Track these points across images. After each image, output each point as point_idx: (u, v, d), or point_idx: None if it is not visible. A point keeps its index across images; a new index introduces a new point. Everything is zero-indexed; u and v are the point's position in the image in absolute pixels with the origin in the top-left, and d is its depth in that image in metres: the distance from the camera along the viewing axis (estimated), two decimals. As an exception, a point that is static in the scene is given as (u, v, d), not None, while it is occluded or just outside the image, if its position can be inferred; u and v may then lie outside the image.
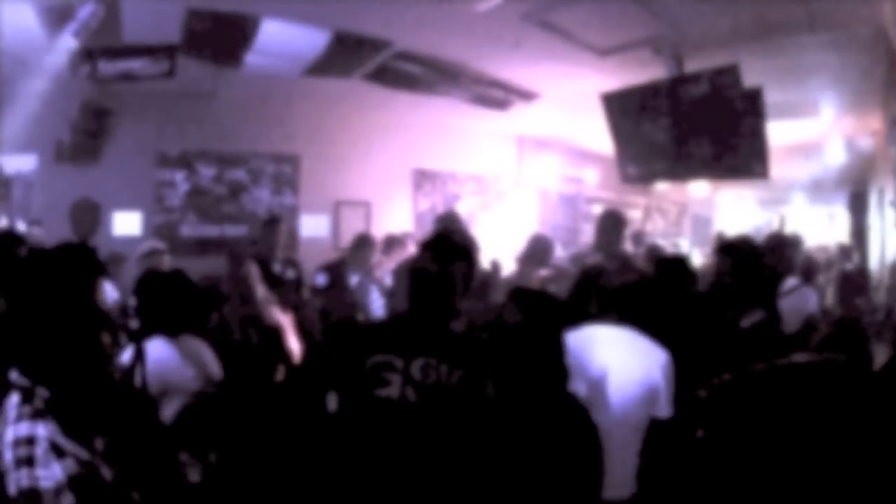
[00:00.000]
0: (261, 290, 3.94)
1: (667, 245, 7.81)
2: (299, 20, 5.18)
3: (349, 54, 5.72)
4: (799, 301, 4.11)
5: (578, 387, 2.31)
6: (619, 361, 2.50)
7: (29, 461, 1.31)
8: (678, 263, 3.62)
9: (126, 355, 3.29)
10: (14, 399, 1.43)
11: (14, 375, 1.47)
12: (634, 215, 8.40)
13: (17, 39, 4.94)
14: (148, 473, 1.59)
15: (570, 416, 2.06)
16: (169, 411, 2.90)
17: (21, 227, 6.07)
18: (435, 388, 2.16)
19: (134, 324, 3.71)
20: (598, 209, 8.14)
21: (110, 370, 1.69)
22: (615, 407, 2.45)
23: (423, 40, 5.56)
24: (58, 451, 1.35)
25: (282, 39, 5.43)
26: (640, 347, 2.57)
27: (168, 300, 3.05)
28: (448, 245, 2.59)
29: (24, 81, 5.34)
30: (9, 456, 1.33)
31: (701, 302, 3.41)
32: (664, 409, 2.53)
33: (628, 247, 7.79)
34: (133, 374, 3.16)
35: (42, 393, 1.42)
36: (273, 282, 4.44)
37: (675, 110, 5.51)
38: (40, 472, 1.31)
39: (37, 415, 1.38)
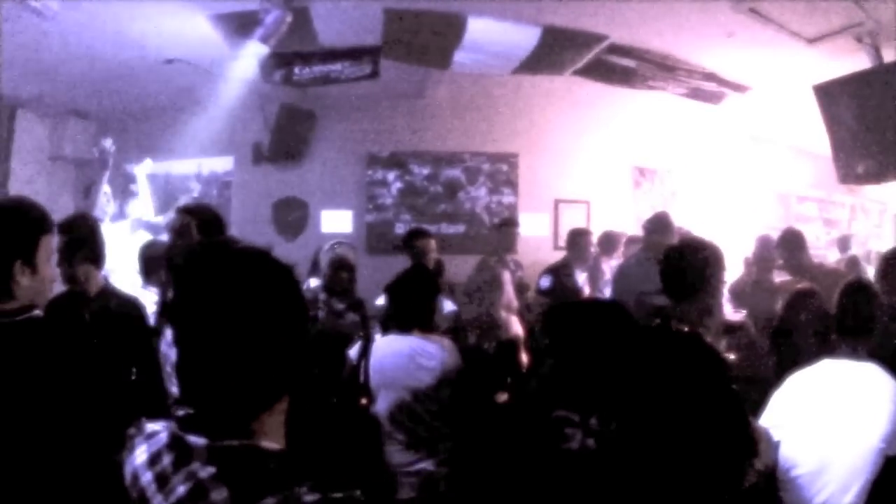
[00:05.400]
0: (514, 301, 3.87)
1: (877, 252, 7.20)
2: (508, 18, 5.13)
3: (562, 50, 5.62)
4: None
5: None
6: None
7: None
8: None
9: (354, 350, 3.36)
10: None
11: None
12: (841, 215, 7.87)
13: (197, 48, 5.15)
14: None
15: None
16: (382, 404, 2.99)
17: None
18: (617, 431, 2.11)
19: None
20: (810, 208, 7.67)
21: None
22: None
23: (635, 32, 5.40)
24: None
25: (491, 38, 5.41)
26: None
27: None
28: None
29: (209, 88, 5.56)
30: None
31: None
32: None
33: (834, 253, 7.30)
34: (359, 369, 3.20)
35: None
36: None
37: (883, 102, 5.09)
38: None
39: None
